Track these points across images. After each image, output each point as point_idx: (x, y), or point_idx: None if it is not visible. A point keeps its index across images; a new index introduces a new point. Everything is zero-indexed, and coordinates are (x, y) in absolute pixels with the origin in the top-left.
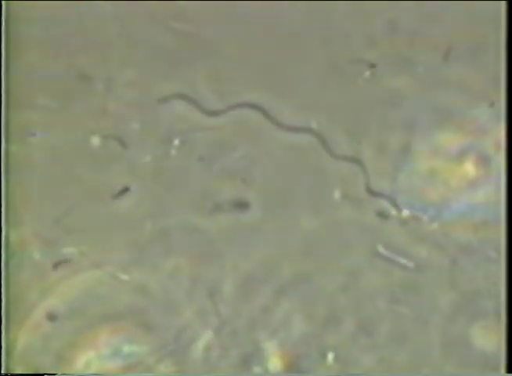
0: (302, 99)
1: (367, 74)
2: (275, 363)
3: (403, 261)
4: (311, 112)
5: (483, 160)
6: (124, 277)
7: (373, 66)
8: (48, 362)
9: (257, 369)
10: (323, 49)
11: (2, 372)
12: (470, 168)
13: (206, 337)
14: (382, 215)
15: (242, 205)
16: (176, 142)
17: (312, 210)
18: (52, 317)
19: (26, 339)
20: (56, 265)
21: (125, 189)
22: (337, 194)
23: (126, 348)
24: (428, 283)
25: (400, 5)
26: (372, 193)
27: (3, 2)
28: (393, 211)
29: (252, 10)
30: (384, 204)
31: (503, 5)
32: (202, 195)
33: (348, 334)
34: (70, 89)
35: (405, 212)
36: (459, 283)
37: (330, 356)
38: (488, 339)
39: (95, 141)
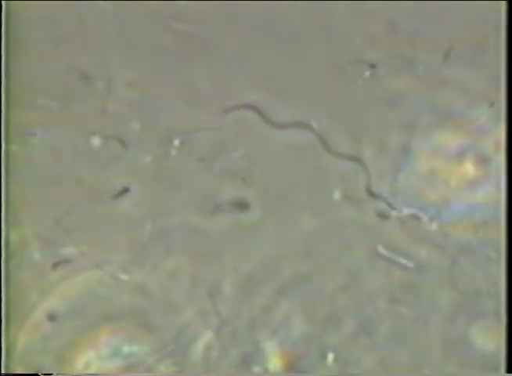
0: (302, 99)
1: (367, 74)
2: (275, 362)
3: (403, 261)
4: (311, 112)
5: (483, 161)
6: (124, 277)
7: (373, 66)
8: (48, 362)
9: (257, 369)
10: (323, 49)
11: (2, 372)
12: (469, 168)
13: (206, 337)
14: (382, 215)
15: (242, 205)
16: (176, 142)
17: (312, 210)
18: (52, 317)
19: (26, 339)
20: (56, 265)
21: (125, 190)
22: (336, 194)
23: (126, 349)
24: (428, 283)
25: (400, 5)
26: (371, 193)
27: (3, 2)
28: (393, 212)
29: (252, 10)
30: (383, 204)
31: (503, 5)
32: (202, 195)
33: (348, 335)
34: (70, 89)
35: (405, 211)
36: (459, 283)
37: (330, 357)
38: (488, 339)
39: (95, 141)
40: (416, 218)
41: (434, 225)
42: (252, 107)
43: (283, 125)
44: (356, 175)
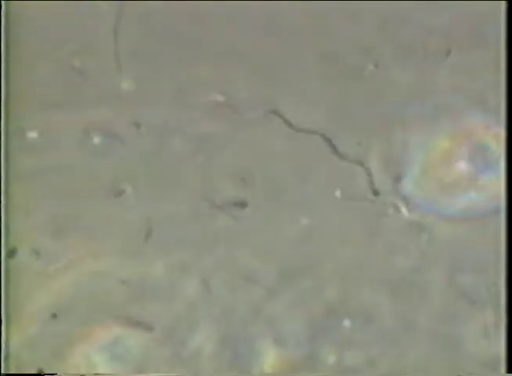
0: (302, 98)
1: (367, 73)
2: (271, 361)
3: (403, 261)
4: (311, 111)
5: (482, 160)
6: (121, 276)
7: (373, 66)
8: (48, 362)
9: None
10: (323, 49)
11: (2, 372)
12: (469, 167)
13: (202, 335)
14: (382, 213)
15: (242, 205)
16: (175, 141)
17: (312, 210)
18: (51, 317)
19: (25, 339)
20: (55, 267)
21: (122, 191)
22: (337, 193)
23: (123, 347)
24: (427, 283)
25: (400, 5)
26: (374, 192)
27: (3, 2)
28: (393, 209)
29: (252, 10)
30: (384, 202)
31: (503, 5)
32: (201, 195)
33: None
34: (70, 89)
35: (406, 209)
36: (458, 283)
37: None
38: (488, 339)
39: (94, 140)
40: (415, 215)
41: (432, 224)
42: (251, 106)
43: (285, 124)
44: (358, 174)
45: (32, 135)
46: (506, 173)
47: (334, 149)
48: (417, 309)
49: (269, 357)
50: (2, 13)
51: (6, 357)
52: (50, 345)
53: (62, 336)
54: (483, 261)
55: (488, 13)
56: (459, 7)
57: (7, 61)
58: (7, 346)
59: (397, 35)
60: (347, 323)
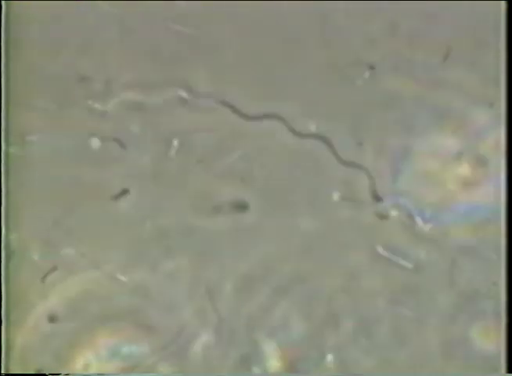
0: (302, 99)
1: (366, 75)
2: (273, 363)
3: (402, 262)
4: (312, 113)
5: (482, 161)
6: (123, 278)
7: (372, 67)
8: (48, 362)
9: (256, 369)
10: (323, 51)
11: (2, 372)
12: (468, 169)
13: (205, 337)
14: (381, 216)
15: (241, 206)
16: (175, 143)
17: (312, 211)
18: (51, 318)
19: (25, 340)
20: (55, 268)
21: (124, 191)
22: (335, 196)
23: (125, 349)
24: (428, 284)
25: (400, 5)
26: (373, 195)
27: (3, 2)
28: (392, 213)
29: (252, 11)
30: (383, 205)
31: (503, 5)
32: (201, 196)
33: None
34: (70, 90)
35: (405, 213)
36: (458, 284)
37: (329, 358)
38: (488, 339)
39: (95, 143)
40: (415, 219)
41: (433, 227)
42: (277, 117)
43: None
44: (356, 176)
45: (31, 138)
46: (507, 175)
47: (333, 149)
48: (416, 311)
49: None
50: (2, 13)
51: (7, 358)
52: (51, 347)
53: (63, 339)
54: (483, 262)
55: (488, 14)
56: (459, 7)
57: (7, 61)
58: (7, 346)
59: (396, 35)
60: (347, 321)
